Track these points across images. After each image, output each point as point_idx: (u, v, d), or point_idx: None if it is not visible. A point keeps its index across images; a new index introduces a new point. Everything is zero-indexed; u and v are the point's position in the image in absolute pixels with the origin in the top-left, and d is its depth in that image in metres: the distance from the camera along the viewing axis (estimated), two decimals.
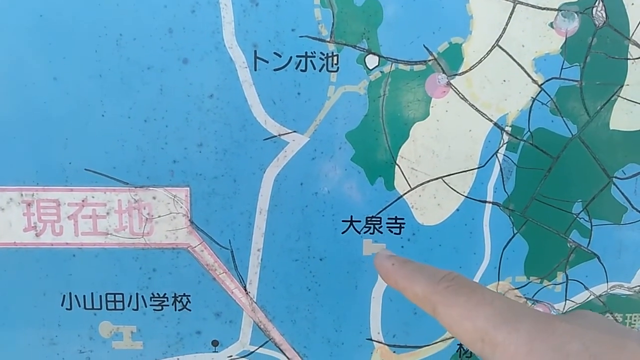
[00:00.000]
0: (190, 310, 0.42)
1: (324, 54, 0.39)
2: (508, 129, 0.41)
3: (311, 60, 0.39)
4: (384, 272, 0.26)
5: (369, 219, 0.42)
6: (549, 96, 0.40)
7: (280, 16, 0.38)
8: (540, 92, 0.40)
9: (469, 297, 0.22)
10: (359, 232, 0.42)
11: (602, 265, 0.43)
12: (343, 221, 0.42)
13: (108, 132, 0.39)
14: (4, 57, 0.38)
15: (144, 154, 0.40)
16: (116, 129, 0.39)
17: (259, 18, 0.38)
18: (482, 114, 0.40)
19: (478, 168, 0.41)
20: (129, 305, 0.42)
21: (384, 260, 0.26)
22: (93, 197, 0.40)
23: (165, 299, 0.42)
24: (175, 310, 0.42)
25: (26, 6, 0.37)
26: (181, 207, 0.41)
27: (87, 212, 0.40)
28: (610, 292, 0.44)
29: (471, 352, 0.44)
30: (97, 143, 0.39)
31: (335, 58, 0.39)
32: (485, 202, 0.42)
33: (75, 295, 0.42)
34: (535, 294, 0.43)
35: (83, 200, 0.40)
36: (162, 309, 0.42)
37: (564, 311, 0.44)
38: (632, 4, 0.39)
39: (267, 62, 0.39)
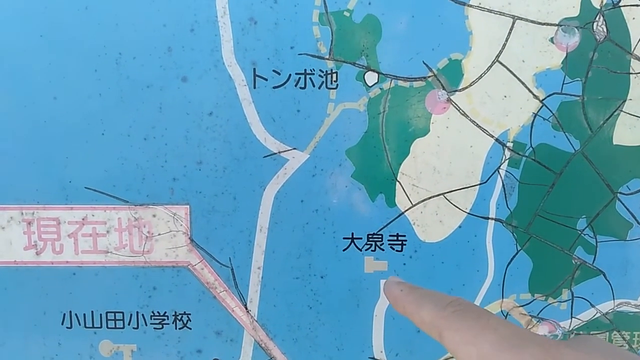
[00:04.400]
0: (190, 328, 0.42)
1: (323, 71, 0.39)
2: (510, 144, 0.40)
3: (310, 78, 0.39)
4: (392, 298, 0.26)
5: (370, 236, 0.41)
6: (551, 111, 0.40)
7: (279, 34, 0.38)
8: (541, 107, 0.40)
9: (474, 323, 0.22)
10: (360, 250, 0.41)
11: (608, 282, 0.43)
12: (344, 238, 0.41)
13: (108, 151, 0.39)
14: (4, 76, 0.38)
15: (144, 172, 0.40)
16: (116, 147, 0.39)
17: (257, 36, 0.38)
18: (483, 130, 0.40)
19: (480, 184, 0.41)
20: (129, 324, 0.42)
21: (393, 287, 0.26)
22: (93, 215, 0.40)
23: (166, 318, 0.42)
24: (176, 328, 0.42)
25: (27, 27, 0.38)
26: (181, 225, 0.40)
27: (87, 231, 0.40)
28: (617, 309, 0.43)
29: None
30: (97, 161, 0.39)
31: (334, 75, 0.39)
32: (487, 218, 0.41)
33: (76, 314, 0.42)
34: (540, 311, 0.43)
35: (83, 219, 0.40)
36: (162, 327, 0.42)
37: (570, 329, 0.43)
38: (633, 18, 0.39)
39: (266, 79, 0.39)
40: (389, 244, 0.42)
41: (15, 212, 0.40)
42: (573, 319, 0.43)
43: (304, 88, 0.39)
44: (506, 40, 0.39)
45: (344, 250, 0.41)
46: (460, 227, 0.41)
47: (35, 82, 0.38)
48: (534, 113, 0.40)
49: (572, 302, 0.43)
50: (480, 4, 0.39)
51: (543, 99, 0.40)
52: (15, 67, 0.38)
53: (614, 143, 0.41)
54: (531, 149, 0.41)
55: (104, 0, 0.38)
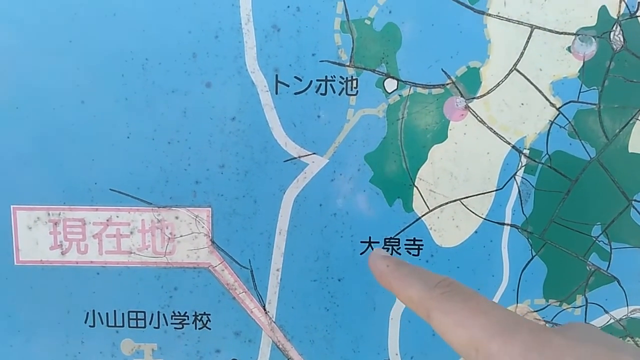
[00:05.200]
0: (210, 329, 0.43)
1: (343, 78, 0.40)
2: (526, 151, 0.41)
3: (331, 84, 0.40)
4: (377, 273, 0.26)
5: (387, 240, 0.42)
6: (567, 119, 0.41)
7: (301, 41, 0.39)
8: (558, 115, 0.41)
9: (463, 305, 0.22)
10: None
11: (622, 288, 0.43)
12: (361, 242, 0.42)
13: (133, 154, 0.40)
14: (34, 81, 0.39)
15: (167, 174, 0.41)
16: (141, 150, 0.40)
17: (280, 43, 0.39)
18: (500, 137, 0.41)
19: (496, 190, 0.42)
20: (150, 323, 0.43)
21: (378, 261, 0.26)
22: (117, 216, 0.41)
23: (186, 318, 0.43)
24: (196, 328, 0.43)
25: (57, 32, 0.39)
26: (203, 227, 0.41)
27: (112, 232, 0.41)
28: (631, 316, 0.43)
29: None
30: (122, 164, 0.40)
31: (354, 82, 0.40)
32: (503, 224, 0.42)
33: (99, 313, 0.43)
34: (555, 317, 0.43)
35: (108, 220, 0.41)
36: (182, 327, 0.43)
37: None
38: None
39: (288, 85, 0.40)
40: (405, 248, 0.42)
41: (42, 213, 0.41)
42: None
43: (325, 94, 0.40)
44: (524, 48, 0.40)
45: (361, 253, 0.42)
46: (476, 232, 0.42)
47: (63, 86, 0.39)
48: (550, 121, 0.41)
49: (586, 308, 0.43)
50: (499, 13, 0.39)
51: (560, 107, 0.41)
52: (45, 71, 0.39)
53: (630, 151, 0.41)
54: (547, 156, 0.41)
55: (131, 8, 0.38)
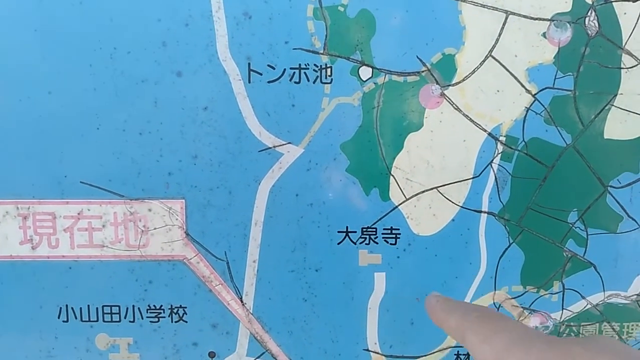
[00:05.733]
0: (186, 322, 0.42)
1: (317, 66, 0.39)
2: (502, 138, 0.41)
3: (305, 72, 0.39)
4: (429, 308, 0.28)
5: (364, 229, 0.42)
6: (543, 106, 0.40)
7: (274, 29, 0.39)
8: (534, 102, 0.40)
9: (492, 325, 0.24)
10: (355, 243, 0.42)
11: (599, 274, 0.43)
12: (339, 232, 0.42)
13: (103, 145, 0.39)
14: None
15: (139, 166, 0.40)
16: (111, 141, 0.39)
17: (252, 31, 0.38)
18: (476, 124, 0.41)
19: (473, 178, 0.41)
20: (125, 317, 0.42)
21: (432, 299, 0.29)
22: (89, 209, 0.40)
23: (162, 311, 0.42)
24: (172, 322, 0.42)
25: (21, 21, 0.38)
26: (176, 219, 0.41)
27: (83, 225, 0.41)
28: (607, 301, 0.44)
29: None
30: (92, 156, 0.40)
31: (329, 70, 0.39)
32: (480, 212, 0.42)
33: (72, 308, 0.42)
34: (532, 303, 0.43)
35: (79, 213, 0.40)
36: (158, 320, 0.42)
37: (561, 320, 0.44)
38: (625, 13, 0.39)
39: (260, 74, 0.39)
40: (383, 238, 0.42)
41: (10, 207, 0.40)
42: (564, 310, 0.44)
43: (299, 82, 0.39)
44: (499, 35, 0.39)
45: (338, 243, 0.42)
46: (453, 220, 0.42)
47: (29, 77, 0.38)
48: (526, 107, 0.41)
49: (563, 294, 0.43)
50: None
51: (535, 94, 0.40)
52: (10, 61, 0.38)
53: (605, 137, 0.41)
54: (523, 143, 0.41)
55: None
